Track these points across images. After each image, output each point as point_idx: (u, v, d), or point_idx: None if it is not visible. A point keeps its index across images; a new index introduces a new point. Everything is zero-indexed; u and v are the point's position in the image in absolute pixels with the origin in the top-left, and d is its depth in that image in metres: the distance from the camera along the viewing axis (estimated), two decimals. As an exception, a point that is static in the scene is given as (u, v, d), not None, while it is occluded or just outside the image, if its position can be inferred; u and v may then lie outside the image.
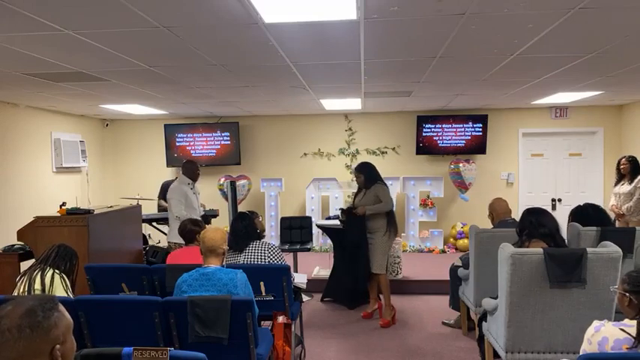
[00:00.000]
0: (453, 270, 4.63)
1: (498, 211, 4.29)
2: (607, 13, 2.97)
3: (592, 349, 2.03)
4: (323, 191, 8.01)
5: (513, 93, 6.22)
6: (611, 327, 2.03)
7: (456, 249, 7.83)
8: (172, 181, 7.27)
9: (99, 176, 8.38)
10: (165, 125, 8.29)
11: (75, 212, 4.23)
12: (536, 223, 3.08)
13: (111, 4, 2.66)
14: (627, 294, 2.06)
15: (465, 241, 7.70)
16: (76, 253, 3.21)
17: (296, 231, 6.35)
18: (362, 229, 4.76)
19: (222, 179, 8.11)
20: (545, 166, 8.17)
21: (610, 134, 7.94)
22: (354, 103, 6.95)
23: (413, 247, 7.86)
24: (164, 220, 6.55)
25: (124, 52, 3.73)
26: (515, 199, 7.97)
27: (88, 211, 4.28)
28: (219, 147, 8.31)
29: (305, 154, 8.41)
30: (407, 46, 3.71)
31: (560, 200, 8.12)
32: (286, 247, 5.90)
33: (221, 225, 6.73)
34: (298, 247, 5.96)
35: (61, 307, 1.38)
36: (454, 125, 7.96)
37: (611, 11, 2.93)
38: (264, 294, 3.46)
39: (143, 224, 5.73)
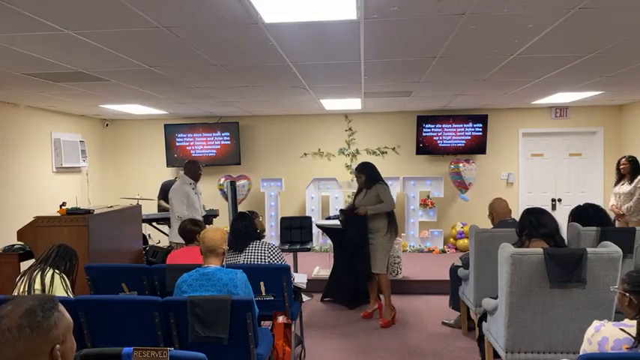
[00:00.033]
0: (453, 270, 4.63)
1: (498, 211, 4.29)
2: (607, 13, 2.97)
3: (592, 349, 2.03)
4: (323, 191, 8.01)
5: (513, 93, 6.22)
6: (611, 327, 2.03)
7: (456, 249, 7.83)
8: (172, 181, 7.30)
9: (99, 176, 8.38)
10: (165, 125, 8.29)
11: (75, 212, 4.23)
12: (536, 223, 3.08)
13: (111, 4, 2.66)
14: (627, 294, 2.06)
15: (465, 241, 7.70)
16: (76, 253, 3.21)
17: (296, 231, 6.35)
18: (363, 230, 4.76)
19: (222, 179, 8.11)
20: (545, 166, 8.17)
21: (610, 134, 7.94)
22: (354, 103, 6.95)
23: (413, 247, 7.86)
24: (164, 220, 6.56)
25: (124, 52, 3.73)
26: (515, 199, 7.97)
27: (88, 211, 4.28)
28: (219, 147, 8.32)
29: (305, 154, 8.41)
30: (407, 46, 3.71)
31: (560, 200, 8.12)
32: (286, 247, 5.90)
33: (221, 225, 6.74)
34: (298, 247, 5.96)
35: (61, 307, 1.38)
36: (454, 125, 7.96)
37: (611, 11, 2.93)
38: (264, 294, 3.46)
39: (143, 224, 5.73)
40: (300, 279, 4.03)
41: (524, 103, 7.47)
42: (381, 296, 5.00)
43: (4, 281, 4.13)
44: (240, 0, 2.64)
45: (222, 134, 8.30)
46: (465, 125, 7.96)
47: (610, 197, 5.66)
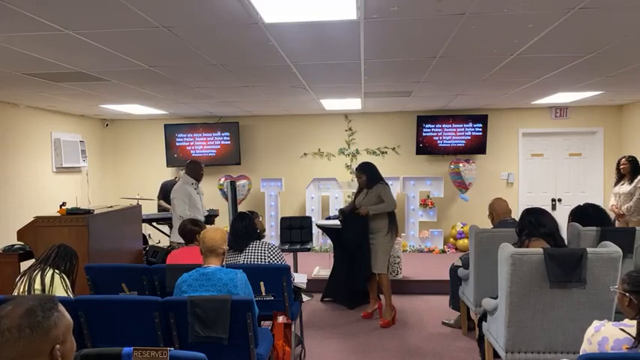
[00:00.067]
0: (453, 270, 4.63)
1: (498, 211, 4.29)
2: (607, 13, 2.97)
3: (592, 349, 2.03)
4: (323, 191, 8.01)
5: (513, 93, 6.22)
6: (611, 327, 2.03)
7: (456, 249, 7.83)
8: (172, 180, 7.32)
9: (99, 176, 8.38)
10: (165, 125, 8.29)
11: (75, 212, 4.23)
12: (535, 223, 3.08)
13: (111, 4, 2.66)
14: (627, 294, 2.06)
15: (465, 241, 7.70)
16: (76, 253, 3.21)
17: (296, 231, 6.35)
18: (364, 230, 4.76)
19: (222, 179, 8.12)
20: (545, 166, 8.17)
21: (610, 134, 7.94)
22: (354, 103, 6.95)
23: (413, 247, 7.86)
24: (164, 220, 6.56)
25: (124, 52, 3.73)
26: (515, 199, 7.97)
27: (88, 211, 4.28)
28: (219, 147, 8.32)
29: (305, 154, 8.41)
30: (407, 46, 3.71)
31: (560, 200, 8.12)
32: (286, 247, 5.90)
33: (221, 225, 6.74)
34: (298, 247, 5.96)
35: (61, 307, 1.38)
36: (454, 125, 7.96)
37: (611, 11, 2.93)
38: (264, 294, 3.46)
39: (143, 224, 5.73)
40: (300, 279, 4.03)
41: (524, 103, 7.47)
42: (381, 296, 5.00)
43: (4, 281, 4.13)
44: (240, 0, 2.64)
45: (222, 134, 8.30)
46: (464, 125, 7.96)
47: (610, 197, 5.66)
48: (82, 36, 3.24)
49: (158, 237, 7.31)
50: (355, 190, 5.17)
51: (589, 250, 2.85)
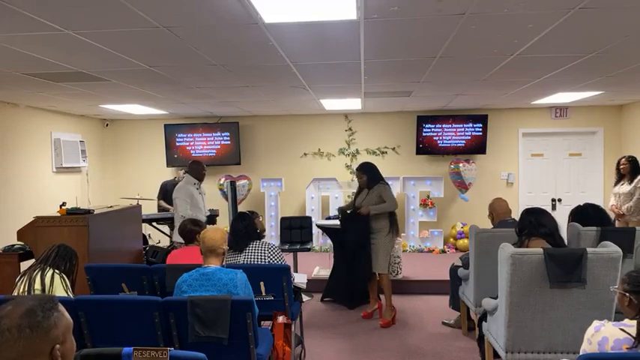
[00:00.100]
0: (453, 270, 4.63)
1: (498, 211, 4.29)
2: (607, 13, 2.97)
3: (592, 349, 2.03)
4: (323, 191, 8.01)
5: (513, 93, 6.22)
6: (611, 327, 2.03)
7: (456, 249, 7.83)
8: (171, 180, 7.33)
9: (99, 176, 8.38)
10: (165, 125, 8.29)
11: (75, 212, 4.23)
12: (535, 223, 3.08)
13: (111, 4, 2.66)
14: (627, 294, 2.06)
15: (465, 241, 7.70)
16: (75, 253, 3.21)
17: (296, 231, 6.35)
18: (366, 230, 4.76)
19: (222, 179, 8.12)
20: (545, 166, 8.17)
21: (610, 134, 7.94)
22: (354, 103, 6.95)
23: (413, 247, 7.86)
24: (164, 220, 6.56)
25: (124, 52, 3.73)
26: (515, 199, 7.97)
27: (88, 211, 4.28)
28: (219, 147, 8.32)
29: (305, 154, 8.41)
30: (407, 46, 3.71)
31: (560, 200, 8.12)
32: (286, 247, 5.90)
33: (221, 225, 6.74)
34: (298, 247, 5.96)
35: (61, 307, 1.38)
36: (454, 125, 7.96)
37: (611, 11, 2.93)
38: (264, 294, 3.46)
39: (143, 224, 5.73)
40: (300, 279, 4.03)
41: (524, 103, 7.47)
42: (381, 296, 5.00)
43: (4, 281, 4.12)
44: (240, 0, 2.64)
45: (222, 134, 8.30)
46: (464, 125, 7.96)
47: (610, 197, 5.66)
48: (82, 36, 3.24)
49: (158, 237, 7.31)
50: (355, 190, 5.18)
51: (589, 250, 2.85)
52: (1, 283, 4.17)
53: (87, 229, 4.09)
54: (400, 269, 5.97)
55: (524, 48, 3.77)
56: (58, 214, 4.21)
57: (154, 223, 6.67)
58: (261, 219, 5.17)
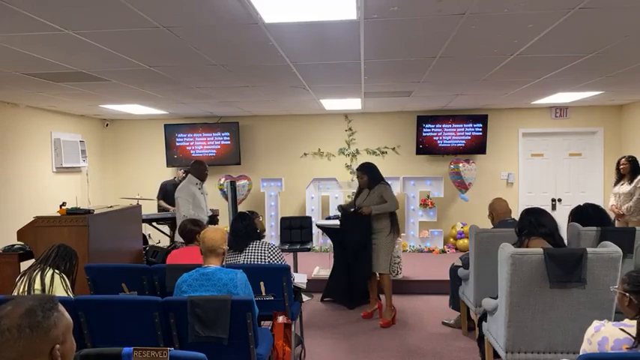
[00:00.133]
0: (453, 270, 4.63)
1: (498, 211, 4.28)
2: (607, 13, 2.97)
3: (592, 349, 2.03)
4: (323, 191, 8.01)
5: (513, 93, 6.22)
6: (611, 327, 2.03)
7: (456, 249, 7.83)
8: (171, 180, 7.33)
9: (99, 176, 8.38)
10: (165, 125, 8.29)
11: (75, 212, 4.23)
12: (535, 223, 3.08)
13: (111, 4, 2.66)
14: (627, 294, 2.06)
15: (465, 241, 7.70)
16: (75, 253, 3.21)
17: (296, 231, 6.35)
18: (367, 230, 4.76)
19: (222, 179, 8.12)
20: (545, 166, 8.17)
21: (610, 134, 7.94)
22: (354, 103, 6.95)
23: (413, 247, 7.86)
24: (164, 220, 6.56)
25: (124, 52, 3.73)
26: (515, 199, 7.97)
27: (88, 211, 4.27)
28: (219, 147, 8.32)
29: (305, 154, 8.41)
30: (407, 46, 3.71)
31: (560, 200, 8.12)
32: (286, 247, 5.90)
33: (221, 225, 6.74)
34: (298, 247, 5.96)
35: (61, 307, 1.38)
36: (454, 125, 7.96)
37: (611, 11, 2.93)
38: (264, 294, 3.46)
39: (143, 224, 5.73)
40: (300, 279, 4.03)
41: (524, 103, 7.47)
42: (381, 296, 5.00)
43: (4, 281, 4.12)
44: (240, 0, 2.64)
45: (222, 134, 8.30)
46: (464, 125, 7.96)
47: (610, 197, 5.67)
48: (82, 36, 3.24)
49: (158, 237, 7.31)
50: (355, 190, 5.18)
51: (589, 250, 2.85)
52: (1, 283, 4.17)
53: (87, 229, 4.09)
54: (400, 269, 5.97)
55: (524, 48, 3.77)
56: (58, 214, 4.21)
57: (154, 223, 6.68)
58: (261, 219, 5.17)
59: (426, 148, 8.04)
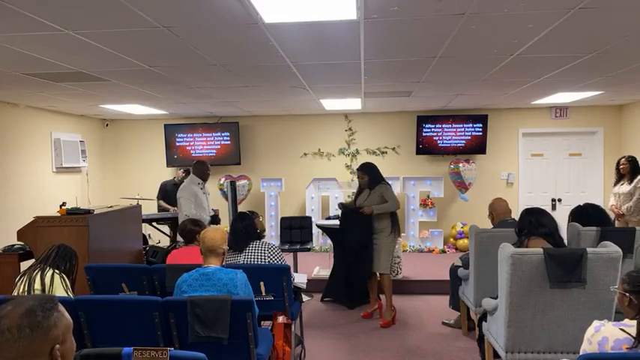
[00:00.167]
0: (453, 270, 4.63)
1: (498, 211, 4.28)
2: (607, 13, 2.97)
3: (592, 349, 2.03)
4: (323, 191, 8.01)
5: (513, 93, 6.22)
6: (611, 327, 2.03)
7: (456, 249, 7.83)
8: (170, 180, 7.33)
9: (99, 176, 8.38)
10: (165, 125, 8.29)
11: (75, 212, 4.23)
12: (535, 223, 3.08)
13: (111, 4, 2.66)
14: (627, 294, 2.06)
15: (465, 241, 7.70)
16: (75, 253, 3.21)
17: (296, 231, 6.35)
18: (368, 230, 4.76)
19: (222, 179, 8.12)
20: (545, 166, 8.17)
21: (610, 134, 7.94)
22: (354, 103, 6.95)
23: (413, 247, 7.86)
24: (164, 220, 6.56)
25: (124, 52, 3.73)
26: (515, 199, 7.97)
27: (88, 211, 4.27)
28: (219, 147, 8.32)
29: (305, 154, 8.41)
30: (407, 46, 3.71)
31: (560, 200, 8.12)
32: (286, 247, 5.90)
33: (221, 225, 6.73)
34: (298, 247, 5.96)
35: (61, 307, 1.38)
36: (454, 125, 7.96)
37: (611, 11, 2.93)
38: (264, 294, 3.46)
39: (143, 224, 5.73)
40: (300, 279, 4.03)
41: (524, 103, 7.47)
42: (381, 296, 5.00)
43: (4, 281, 4.12)
44: (240, 0, 2.64)
45: (222, 134, 8.30)
46: (464, 125, 7.96)
47: (610, 197, 5.67)
48: (82, 36, 3.24)
49: (158, 237, 7.31)
50: (355, 190, 5.17)
51: (589, 250, 2.85)
52: (1, 283, 4.17)
53: (87, 229, 4.09)
54: (400, 269, 5.97)
55: (524, 48, 3.77)
56: (58, 214, 4.21)
57: (154, 223, 6.67)
58: (261, 219, 5.18)
59: (426, 148, 8.04)
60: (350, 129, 8.32)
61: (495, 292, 3.15)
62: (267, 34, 3.30)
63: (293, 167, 8.38)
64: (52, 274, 2.97)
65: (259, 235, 3.90)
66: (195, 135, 8.30)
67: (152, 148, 8.56)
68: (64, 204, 4.41)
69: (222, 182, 8.07)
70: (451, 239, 8.04)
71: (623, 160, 5.45)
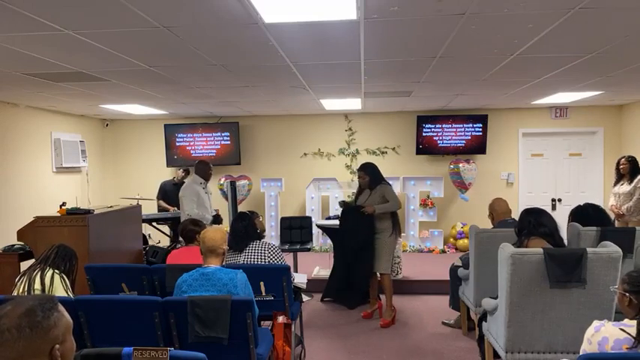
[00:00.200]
0: (453, 270, 4.63)
1: (498, 211, 4.28)
2: (607, 13, 2.97)
3: (592, 349, 2.03)
4: (323, 191, 8.01)
5: (513, 93, 6.22)
6: (611, 327, 2.03)
7: (456, 249, 7.83)
8: (170, 181, 7.34)
9: (99, 176, 8.38)
10: (165, 125, 8.30)
11: (75, 212, 4.23)
12: (535, 223, 3.08)
13: (111, 4, 2.66)
14: (627, 294, 2.07)
15: (465, 241, 7.70)
16: (75, 254, 3.21)
17: (296, 231, 6.35)
18: (370, 229, 4.76)
19: (222, 179, 8.12)
20: (545, 166, 8.17)
21: (610, 134, 7.94)
22: (354, 103, 6.95)
23: (413, 247, 7.86)
24: (164, 220, 6.57)
25: (124, 52, 3.73)
26: (515, 199, 7.97)
27: (88, 211, 4.28)
28: (219, 147, 8.32)
29: (305, 154, 8.41)
30: (407, 46, 3.71)
31: (560, 200, 8.12)
32: (286, 247, 5.90)
33: (222, 225, 6.73)
34: (298, 247, 5.96)
35: (61, 307, 1.38)
36: (454, 125, 7.96)
37: (611, 11, 2.93)
38: (264, 294, 3.46)
39: (143, 224, 5.74)
40: (300, 279, 4.03)
41: (524, 103, 7.47)
42: (381, 296, 5.00)
43: (4, 281, 4.12)
44: (240, 0, 2.64)
45: (222, 134, 8.30)
46: (464, 125, 7.96)
47: (610, 197, 5.67)
48: (82, 36, 3.24)
49: (158, 237, 7.31)
50: (355, 191, 5.17)
51: (589, 250, 2.85)
52: (1, 283, 4.17)
53: (87, 229, 4.09)
54: (400, 269, 5.97)
55: (524, 48, 3.77)
56: (58, 214, 4.21)
57: (154, 223, 6.68)
58: (261, 219, 5.17)
59: (426, 148, 8.04)
60: (350, 129, 8.32)
61: (495, 292, 3.15)
62: (267, 34, 3.30)
63: (293, 167, 8.38)
64: (52, 274, 2.97)
65: (259, 235, 3.91)
66: (195, 135, 8.30)
67: (152, 148, 8.56)
68: (64, 204, 4.41)
69: (222, 182, 8.07)
70: (451, 239, 8.04)
71: (623, 160, 5.45)
